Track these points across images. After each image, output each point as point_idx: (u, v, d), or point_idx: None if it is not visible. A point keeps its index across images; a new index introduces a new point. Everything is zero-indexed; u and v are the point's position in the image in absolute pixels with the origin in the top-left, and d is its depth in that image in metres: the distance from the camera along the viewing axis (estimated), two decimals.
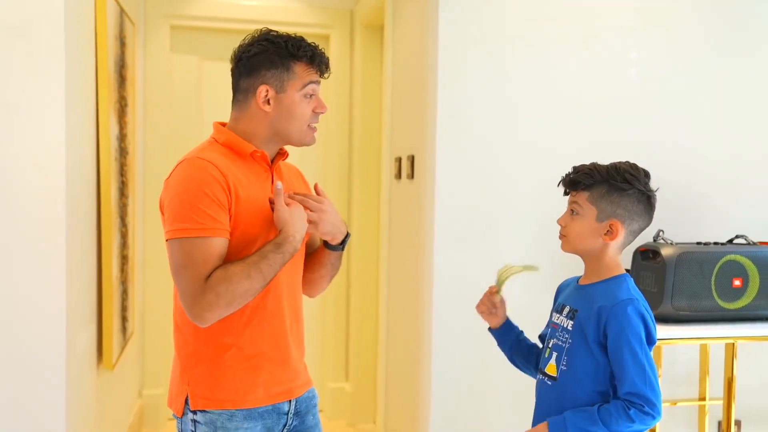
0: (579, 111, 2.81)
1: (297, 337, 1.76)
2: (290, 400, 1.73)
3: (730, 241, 2.54)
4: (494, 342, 2.55)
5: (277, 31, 1.72)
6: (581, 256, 1.75)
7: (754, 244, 2.51)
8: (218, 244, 1.58)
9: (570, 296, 1.76)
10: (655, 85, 2.87)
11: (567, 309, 1.74)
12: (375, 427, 3.73)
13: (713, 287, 2.41)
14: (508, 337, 1.88)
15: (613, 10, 2.84)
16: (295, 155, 3.96)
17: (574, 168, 1.73)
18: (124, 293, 3.08)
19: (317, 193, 1.76)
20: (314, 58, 1.70)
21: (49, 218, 2.20)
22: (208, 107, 3.89)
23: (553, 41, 2.79)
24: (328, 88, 3.99)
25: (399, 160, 3.20)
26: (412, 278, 3.00)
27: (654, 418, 1.59)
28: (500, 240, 2.77)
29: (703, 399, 2.77)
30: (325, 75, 1.74)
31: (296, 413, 1.75)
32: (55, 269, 2.21)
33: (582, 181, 1.68)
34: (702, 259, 2.40)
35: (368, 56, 3.86)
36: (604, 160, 1.76)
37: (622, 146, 2.75)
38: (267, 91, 1.67)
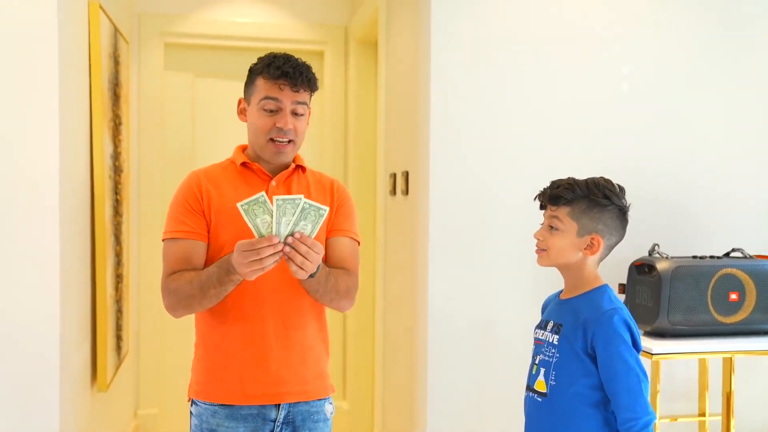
0: (572, 127, 2.81)
1: (285, 342, 1.73)
2: (278, 406, 1.72)
3: (727, 255, 2.53)
4: (490, 356, 2.52)
5: (276, 52, 1.77)
6: (560, 270, 1.77)
7: (751, 257, 2.50)
8: (183, 245, 1.70)
9: (553, 311, 1.78)
10: (648, 99, 2.87)
11: (551, 324, 1.74)
12: None
13: (710, 301, 2.39)
14: None
15: (606, 24, 2.85)
16: None
17: (553, 183, 1.74)
18: (119, 312, 3.06)
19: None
20: (274, 71, 1.68)
21: (42, 237, 2.19)
22: (201, 124, 3.88)
23: (546, 58, 2.79)
24: (323, 103, 4.00)
25: (394, 176, 3.19)
26: (407, 294, 2.98)
27: (653, 419, 1.60)
28: (494, 254, 2.76)
29: (703, 415, 2.75)
30: (295, 89, 1.70)
31: (287, 422, 1.74)
32: (49, 289, 2.20)
33: (563, 195, 1.69)
34: (698, 273, 2.39)
35: (363, 72, 3.86)
36: (599, 174, 1.77)
37: (617, 160, 2.75)
38: (241, 102, 1.81)
